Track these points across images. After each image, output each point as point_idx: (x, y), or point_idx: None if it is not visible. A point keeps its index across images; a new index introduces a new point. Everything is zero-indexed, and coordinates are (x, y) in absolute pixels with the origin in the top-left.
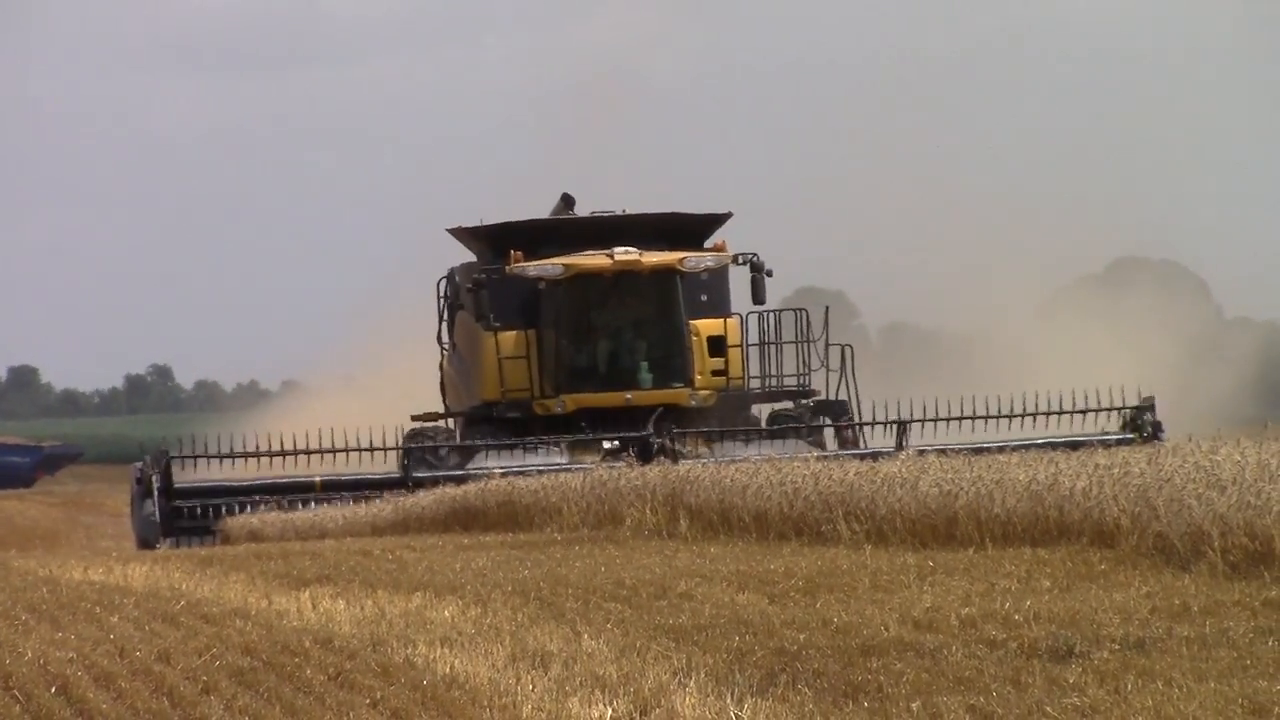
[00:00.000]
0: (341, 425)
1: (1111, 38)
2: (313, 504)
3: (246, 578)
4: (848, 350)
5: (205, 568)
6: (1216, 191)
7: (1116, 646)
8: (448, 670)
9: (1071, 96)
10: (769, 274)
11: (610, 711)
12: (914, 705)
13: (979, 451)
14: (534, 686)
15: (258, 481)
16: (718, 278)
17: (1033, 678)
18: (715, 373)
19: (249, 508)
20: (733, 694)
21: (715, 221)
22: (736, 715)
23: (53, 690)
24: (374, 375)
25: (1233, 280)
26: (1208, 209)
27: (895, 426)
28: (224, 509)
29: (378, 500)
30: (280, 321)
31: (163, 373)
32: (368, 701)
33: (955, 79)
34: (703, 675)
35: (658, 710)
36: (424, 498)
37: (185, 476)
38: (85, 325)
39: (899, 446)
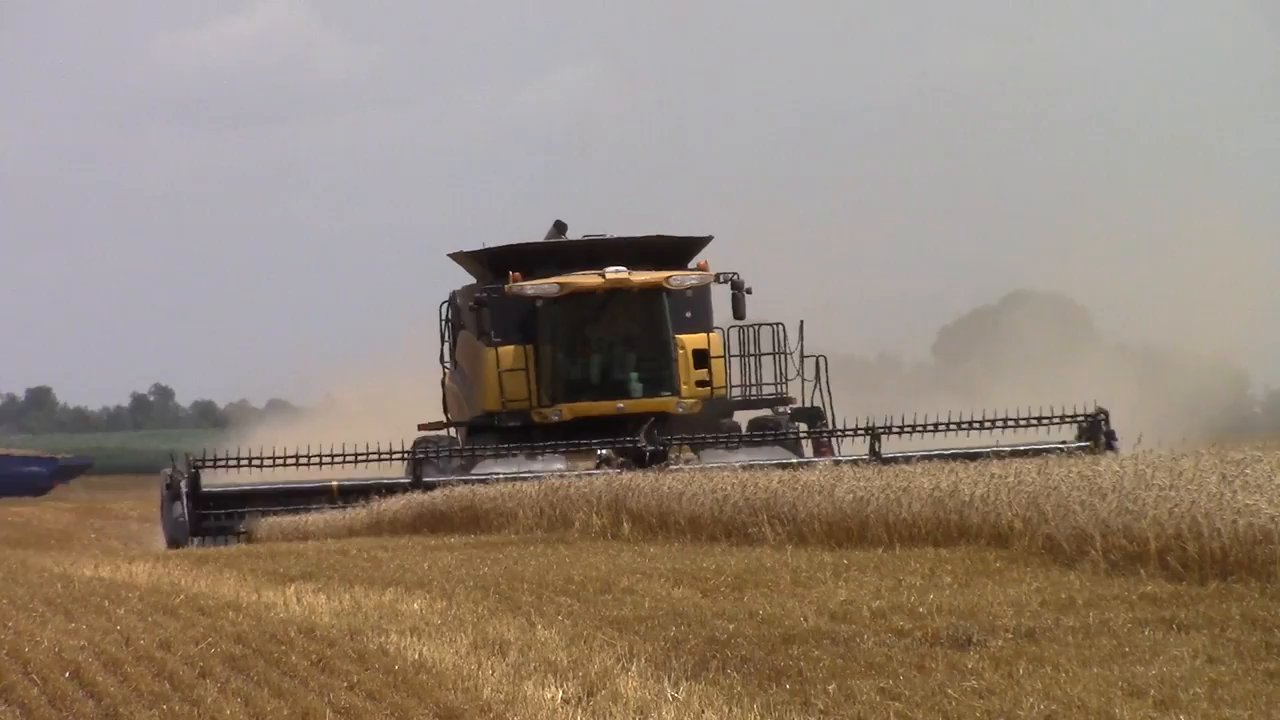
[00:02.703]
0: (324, 440)
1: (1003, 102)
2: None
3: (238, 574)
4: (821, 361)
5: (201, 565)
6: (1096, 230)
7: (1010, 635)
8: (417, 657)
9: (970, 149)
10: (748, 291)
11: (561, 693)
12: (830, 688)
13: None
14: (493, 671)
15: (279, 486)
16: (701, 295)
17: (936, 663)
18: (700, 383)
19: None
20: (670, 678)
21: (698, 243)
22: (673, 696)
23: (66, 675)
24: (351, 395)
25: (1112, 309)
26: (1089, 246)
27: (869, 436)
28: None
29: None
30: (269, 347)
31: (164, 392)
32: (345, 684)
33: (874, 133)
34: (643, 661)
35: (603, 692)
36: (394, 503)
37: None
38: (94, 350)
39: (873, 453)
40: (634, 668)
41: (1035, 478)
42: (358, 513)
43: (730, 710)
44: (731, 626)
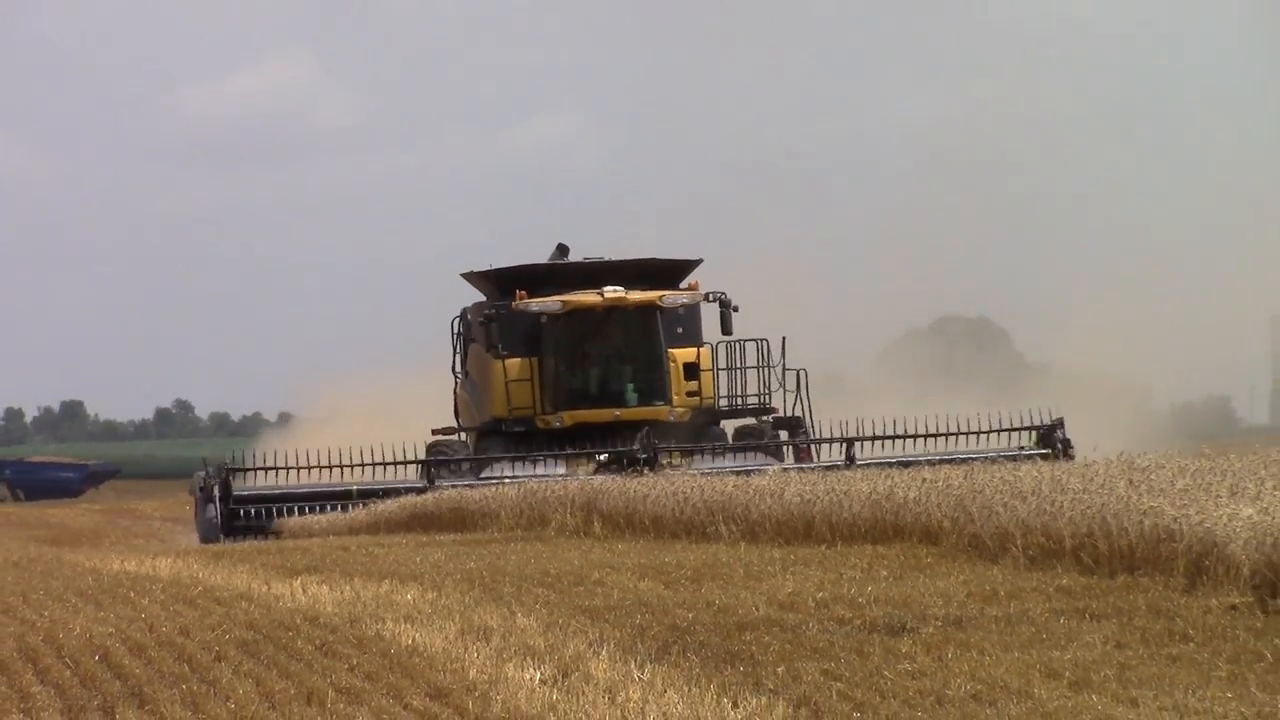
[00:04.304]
0: (331, 448)
1: (935, 149)
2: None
3: (250, 568)
4: (802, 374)
5: (217, 560)
6: (1017, 261)
7: (940, 623)
8: (410, 642)
9: (904, 189)
10: (735, 309)
11: (539, 675)
12: (779, 670)
13: (910, 464)
14: (478, 654)
15: (303, 489)
16: (691, 312)
17: (873, 648)
18: (689, 393)
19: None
20: (636, 660)
21: (689, 265)
22: (639, 677)
23: (96, 658)
24: (353, 406)
25: (1031, 332)
26: (1011, 274)
27: (844, 443)
28: (276, 512)
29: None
30: (279, 365)
31: (184, 406)
32: (346, 667)
33: (827, 174)
34: (612, 646)
35: (576, 674)
36: (390, 504)
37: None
38: (122, 367)
39: (849, 460)
40: (604, 652)
41: (962, 482)
42: (358, 513)
43: (690, 690)
44: (691, 615)
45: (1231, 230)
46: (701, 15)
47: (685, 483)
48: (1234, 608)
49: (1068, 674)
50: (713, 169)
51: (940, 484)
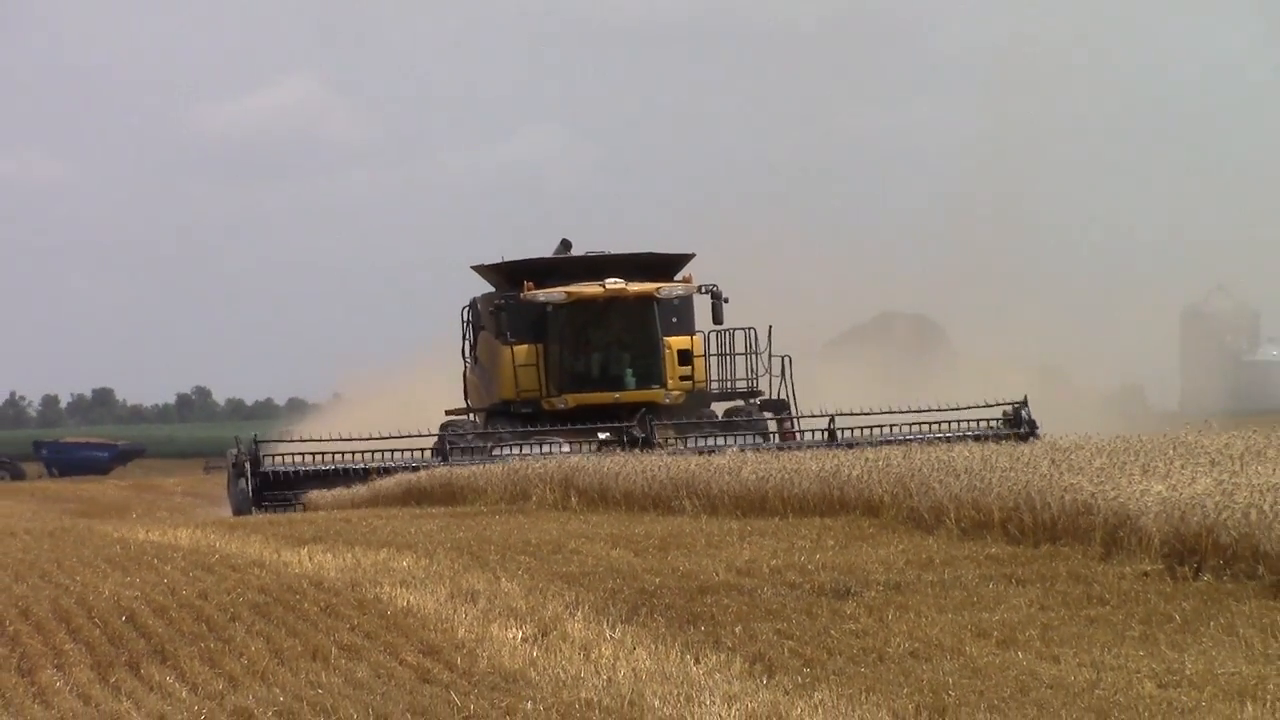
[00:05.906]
0: (338, 430)
1: (883, 160)
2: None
3: (262, 538)
4: (786, 360)
5: (233, 531)
6: (952, 262)
7: (881, 588)
8: (405, 604)
9: (852, 194)
10: (726, 300)
11: (521, 634)
12: (737, 629)
13: (890, 442)
14: (466, 615)
15: (327, 466)
16: (685, 303)
17: (821, 610)
18: (683, 378)
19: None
20: (608, 621)
21: (683, 259)
22: (611, 636)
23: (123, 619)
24: (354, 394)
25: (963, 327)
26: (946, 275)
27: (828, 423)
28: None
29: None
30: (289, 355)
31: (203, 392)
32: (348, 626)
33: (795, 183)
34: (587, 608)
35: (555, 633)
36: (387, 481)
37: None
38: (147, 357)
39: (831, 439)
40: (580, 613)
41: (901, 461)
42: (359, 489)
43: (657, 648)
44: (658, 580)
45: (1146, 236)
46: (684, 35)
47: (653, 461)
48: (1146, 574)
49: (996, 634)
50: (691, 175)
51: (881, 463)
